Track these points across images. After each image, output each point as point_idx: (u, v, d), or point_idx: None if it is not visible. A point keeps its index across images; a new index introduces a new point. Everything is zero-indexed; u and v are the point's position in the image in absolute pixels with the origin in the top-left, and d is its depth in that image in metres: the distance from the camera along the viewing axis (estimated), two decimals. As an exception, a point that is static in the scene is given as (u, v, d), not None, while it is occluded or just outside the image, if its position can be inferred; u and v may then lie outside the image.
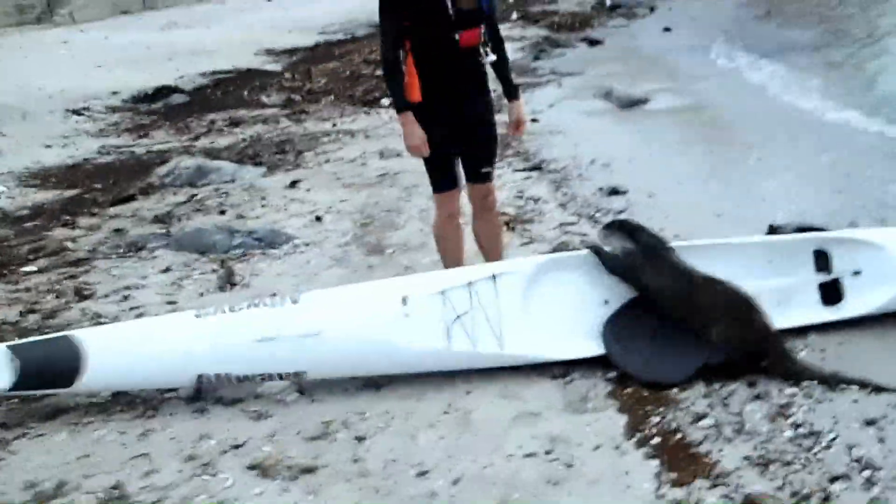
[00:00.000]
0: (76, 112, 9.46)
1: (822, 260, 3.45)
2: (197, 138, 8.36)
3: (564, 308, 3.29)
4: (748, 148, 6.55)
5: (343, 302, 3.21)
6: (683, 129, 7.49)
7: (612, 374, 3.17)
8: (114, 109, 9.85)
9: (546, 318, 3.25)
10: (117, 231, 5.27)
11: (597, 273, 3.34)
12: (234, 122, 8.81)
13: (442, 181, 3.59)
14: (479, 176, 3.63)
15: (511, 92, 3.64)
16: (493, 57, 3.49)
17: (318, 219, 5.37)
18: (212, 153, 7.45)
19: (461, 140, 3.52)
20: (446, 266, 3.73)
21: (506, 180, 6.10)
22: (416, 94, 3.38)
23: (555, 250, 4.58)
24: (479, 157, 3.60)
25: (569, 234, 4.85)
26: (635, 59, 11.56)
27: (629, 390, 3.07)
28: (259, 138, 7.98)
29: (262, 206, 5.68)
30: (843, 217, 4.48)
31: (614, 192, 5.67)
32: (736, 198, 5.36)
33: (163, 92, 10.41)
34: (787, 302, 3.38)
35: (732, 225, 4.82)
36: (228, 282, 4.27)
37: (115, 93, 10.47)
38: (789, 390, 2.96)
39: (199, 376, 3.01)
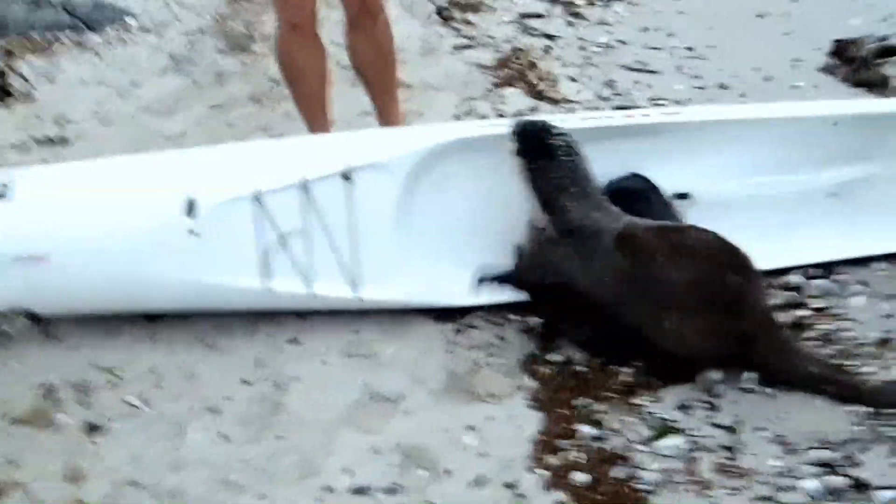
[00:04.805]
0: None
1: None
2: None
3: (469, 219, 2.00)
4: None
5: (87, 200, 1.91)
6: None
7: (538, 322, 1.94)
8: None
9: (435, 237, 1.97)
10: None
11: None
12: None
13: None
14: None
15: None
16: None
17: (177, -16, 3.81)
18: None
19: None
20: (300, 108, 2.38)
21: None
22: None
23: (499, 65, 3.18)
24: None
25: (531, 33, 3.41)
26: None
27: (558, 359, 1.85)
28: None
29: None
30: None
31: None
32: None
33: None
34: (850, 200, 2.10)
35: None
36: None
37: None
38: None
39: None
